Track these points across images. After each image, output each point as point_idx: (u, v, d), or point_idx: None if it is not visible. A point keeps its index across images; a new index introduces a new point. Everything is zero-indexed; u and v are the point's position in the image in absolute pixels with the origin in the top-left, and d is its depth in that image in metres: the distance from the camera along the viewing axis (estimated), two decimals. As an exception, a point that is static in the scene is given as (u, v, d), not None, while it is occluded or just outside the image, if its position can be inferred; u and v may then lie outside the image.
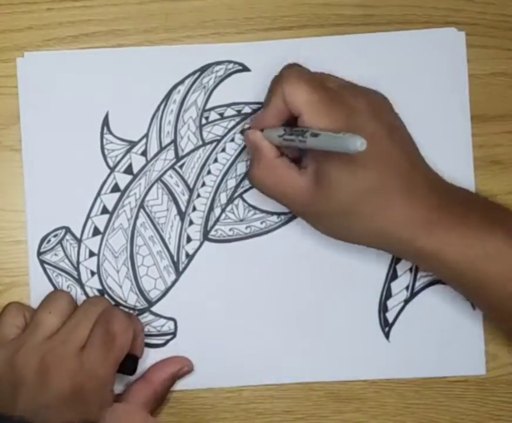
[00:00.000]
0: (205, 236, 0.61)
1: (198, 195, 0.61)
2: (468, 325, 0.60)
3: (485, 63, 0.61)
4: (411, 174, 0.53)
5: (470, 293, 0.56)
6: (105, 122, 0.60)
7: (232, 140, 0.61)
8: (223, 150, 0.61)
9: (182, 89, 0.61)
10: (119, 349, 0.53)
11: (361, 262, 0.60)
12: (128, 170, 0.61)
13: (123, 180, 0.60)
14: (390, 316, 0.61)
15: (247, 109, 0.61)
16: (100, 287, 0.60)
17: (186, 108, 0.61)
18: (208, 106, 0.61)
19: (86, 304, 0.56)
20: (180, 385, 0.60)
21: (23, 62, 0.60)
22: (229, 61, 0.61)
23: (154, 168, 0.61)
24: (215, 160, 0.61)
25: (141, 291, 0.60)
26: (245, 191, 0.61)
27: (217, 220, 0.61)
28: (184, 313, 0.60)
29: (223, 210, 0.61)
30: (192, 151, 0.61)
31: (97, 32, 0.60)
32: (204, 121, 0.61)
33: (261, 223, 0.61)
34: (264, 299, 0.61)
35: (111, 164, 0.60)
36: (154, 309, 0.61)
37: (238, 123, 0.61)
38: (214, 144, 0.61)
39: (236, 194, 0.61)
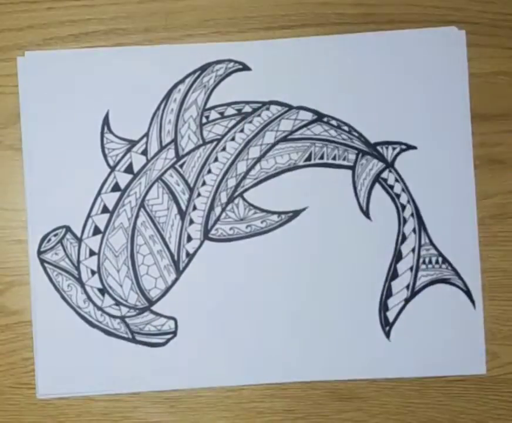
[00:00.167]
0: (206, 235, 0.61)
1: (199, 195, 0.61)
2: (468, 325, 0.61)
3: (486, 62, 0.61)
4: None
5: None
6: (106, 121, 0.60)
7: (233, 139, 0.61)
8: (223, 149, 0.61)
9: (182, 88, 0.61)
10: None
11: (361, 262, 0.60)
12: (129, 169, 0.61)
13: (123, 179, 0.61)
14: (391, 315, 0.61)
15: (247, 108, 0.61)
16: (100, 286, 0.60)
17: (186, 107, 0.61)
18: (208, 105, 0.61)
19: None
20: (180, 385, 0.60)
21: (24, 61, 0.60)
22: (230, 60, 0.61)
23: (154, 168, 0.61)
24: (216, 159, 0.61)
25: (141, 290, 0.60)
26: (245, 190, 0.61)
27: (217, 219, 0.61)
28: (185, 312, 0.60)
29: (223, 209, 0.61)
30: (193, 150, 0.61)
31: (98, 31, 0.60)
32: (204, 120, 0.61)
33: (261, 222, 0.61)
34: (264, 298, 0.61)
35: (111, 163, 0.60)
36: (154, 308, 0.61)
37: (238, 122, 0.61)
38: (214, 143, 0.61)
39: (237, 193, 0.61)
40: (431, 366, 0.61)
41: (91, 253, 0.60)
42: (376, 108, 0.61)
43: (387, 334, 0.61)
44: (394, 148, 0.61)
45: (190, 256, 0.61)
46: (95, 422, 0.61)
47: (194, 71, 0.61)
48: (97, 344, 0.60)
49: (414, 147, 0.61)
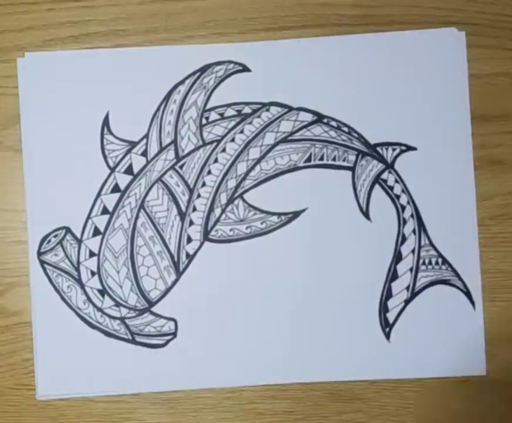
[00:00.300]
0: (206, 236, 0.61)
1: (199, 196, 0.61)
2: (468, 325, 0.61)
3: (485, 63, 0.61)
4: None
5: None
6: (106, 122, 0.60)
7: (233, 140, 0.61)
8: (223, 150, 0.61)
9: (182, 89, 0.61)
10: None
11: (361, 263, 0.60)
12: (129, 170, 0.61)
13: (123, 180, 0.61)
14: (391, 316, 0.61)
15: (247, 109, 0.61)
16: (100, 287, 0.60)
17: (186, 108, 0.61)
18: (208, 106, 0.61)
19: None
20: (180, 386, 0.60)
21: (24, 62, 0.60)
22: (230, 62, 0.61)
23: (154, 169, 0.61)
24: (215, 160, 0.61)
25: (141, 291, 0.60)
26: (245, 191, 0.61)
27: (217, 220, 0.61)
28: (185, 313, 0.60)
29: (223, 210, 0.61)
30: (193, 151, 0.61)
31: (98, 32, 0.60)
32: (204, 121, 0.61)
33: (261, 223, 0.61)
34: (264, 299, 0.61)
35: (111, 164, 0.60)
36: (154, 309, 0.61)
37: (238, 123, 0.61)
38: (214, 144, 0.61)
39: (237, 194, 0.61)
40: (431, 367, 0.61)
41: (91, 254, 0.60)
42: (375, 109, 0.61)
43: (387, 335, 0.61)
44: (394, 149, 0.61)
45: (190, 257, 0.61)
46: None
47: (194, 73, 0.61)
48: (96, 345, 0.60)
49: (414, 148, 0.61)
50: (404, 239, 0.61)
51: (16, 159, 0.60)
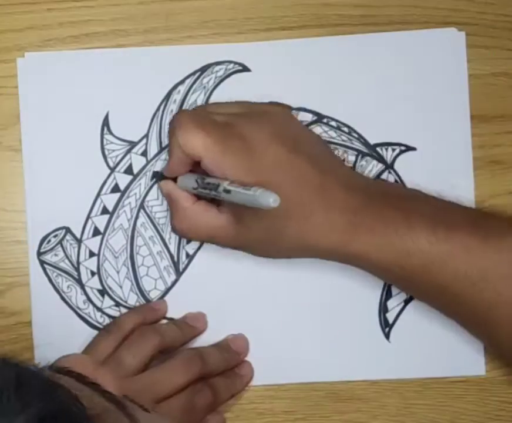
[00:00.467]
0: (206, 236, 0.61)
1: (199, 196, 0.61)
2: (468, 326, 0.60)
3: (485, 63, 0.61)
4: (324, 182, 0.53)
5: (403, 288, 0.58)
6: (106, 122, 0.60)
7: (233, 140, 0.61)
8: (223, 150, 0.61)
9: (182, 89, 0.61)
10: None
11: (361, 263, 0.60)
12: (129, 170, 0.60)
13: (123, 180, 0.60)
14: (391, 316, 0.61)
15: (247, 109, 0.61)
16: (100, 287, 0.60)
17: (186, 108, 0.61)
18: (208, 106, 0.61)
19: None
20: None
21: (24, 62, 0.60)
22: (230, 62, 0.61)
23: (154, 169, 0.60)
24: (216, 160, 0.61)
25: (141, 292, 0.60)
26: (245, 191, 0.61)
27: (217, 220, 0.61)
28: (184, 313, 0.60)
29: (223, 210, 0.61)
30: (193, 151, 0.61)
31: (98, 32, 0.60)
32: (204, 121, 0.61)
33: (261, 223, 0.61)
34: (264, 299, 0.60)
35: (111, 164, 0.60)
36: (154, 309, 0.60)
37: (238, 123, 0.61)
38: (214, 144, 0.61)
39: (237, 194, 0.61)
40: (431, 367, 0.61)
41: (91, 254, 0.60)
42: (375, 110, 0.60)
43: (387, 335, 0.61)
44: (393, 150, 0.61)
45: (190, 257, 0.61)
46: None
47: (194, 72, 0.61)
48: (96, 345, 0.60)
49: (414, 148, 0.61)
50: (404, 239, 0.61)
51: (16, 159, 0.60)
